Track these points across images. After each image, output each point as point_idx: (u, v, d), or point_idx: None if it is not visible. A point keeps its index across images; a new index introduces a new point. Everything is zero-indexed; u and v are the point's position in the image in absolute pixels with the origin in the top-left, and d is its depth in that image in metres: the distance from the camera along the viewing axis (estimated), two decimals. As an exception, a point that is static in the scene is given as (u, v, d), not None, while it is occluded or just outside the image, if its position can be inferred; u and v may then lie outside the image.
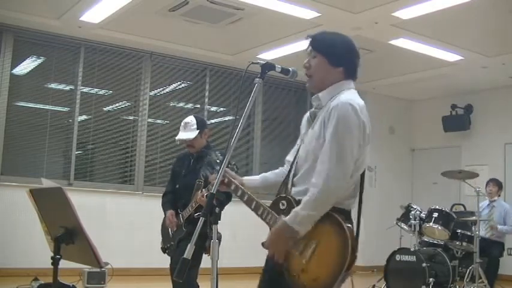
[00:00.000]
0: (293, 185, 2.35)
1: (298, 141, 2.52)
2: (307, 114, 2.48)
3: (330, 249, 2.13)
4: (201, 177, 3.85)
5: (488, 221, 7.11)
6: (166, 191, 4.27)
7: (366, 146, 2.26)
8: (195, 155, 4.09)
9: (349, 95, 2.27)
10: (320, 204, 2.15)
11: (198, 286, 3.82)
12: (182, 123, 4.10)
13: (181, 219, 3.99)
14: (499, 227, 7.03)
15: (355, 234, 2.17)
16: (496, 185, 7.36)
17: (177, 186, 4.14)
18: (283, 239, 2.19)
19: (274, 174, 2.59)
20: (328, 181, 2.13)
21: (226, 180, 2.44)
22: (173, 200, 4.16)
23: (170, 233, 4.13)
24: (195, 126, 4.03)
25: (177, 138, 4.11)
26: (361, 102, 2.26)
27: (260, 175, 2.61)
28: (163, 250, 4.20)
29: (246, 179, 2.55)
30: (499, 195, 7.38)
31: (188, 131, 4.03)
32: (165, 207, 4.18)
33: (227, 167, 2.48)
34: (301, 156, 2.36)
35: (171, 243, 4.10)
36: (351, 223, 2.21)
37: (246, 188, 2.45)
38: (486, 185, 7.37)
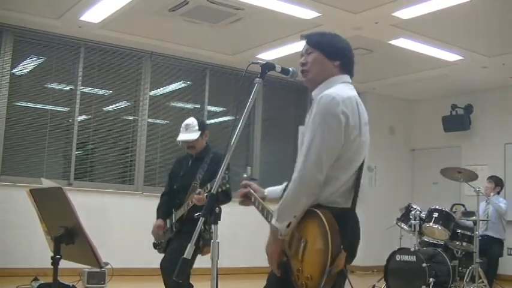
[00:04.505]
0: None
1: None
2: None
3: (315, 246, 2.12)
4: (197, 179, 3.92)
5: (487, 221, 7.13)
6: (164, 192, 4.35)
7: (352, 141, 2.19)
8: (194, 156, 4.15)
9: (336, 89, 2.26)
10: (291, 197, 2.16)
11: (192, 285, 3.87)
12: (183, 125, 4.15)
13: (174, 218, 4.04)
14: (502, 205, 7.08)
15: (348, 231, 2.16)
16: (493, 181, 7.37)
17: (175, 186, 4.20)
18: (272, 240, 2.23)
19: None
20: (299, 173, 2.14)
21: (249, 194, 2.49)
22: (168, 203, 4.23)
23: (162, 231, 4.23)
24: (197, 127, 4.10)
25: (178, 139, 4.16)
26: (348, 94, 2.23)
27: (284, 184, 2.51)
28: (155, 245, 4.28)
29: (268, 190, 2.56)
30: (498, 193, 7.37)
31: (190, 132, 4.09)
32: (157, 212, 4.27)
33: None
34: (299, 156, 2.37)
35: (161, 241, 4.19)
36: (344, 220, 2.17)
37: (269, 200, 2.49)
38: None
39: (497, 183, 7.39)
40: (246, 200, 2.49)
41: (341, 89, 2.25)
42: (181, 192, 4.05)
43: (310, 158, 2.13)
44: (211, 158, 4.06)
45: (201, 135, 4.09)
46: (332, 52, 2.36)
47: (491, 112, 9.15)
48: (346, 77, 2.37)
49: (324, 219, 2.09)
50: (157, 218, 4.22)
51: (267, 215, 2.40)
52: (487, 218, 7.14)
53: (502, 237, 7.19)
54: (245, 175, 2.65)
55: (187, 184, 3.99)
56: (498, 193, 7.39)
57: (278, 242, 2.21)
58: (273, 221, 2.20)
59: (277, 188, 2.56)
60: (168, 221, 4.14)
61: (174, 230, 4.04)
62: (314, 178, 2.13)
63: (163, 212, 4.21)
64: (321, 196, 2.18)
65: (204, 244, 3.64)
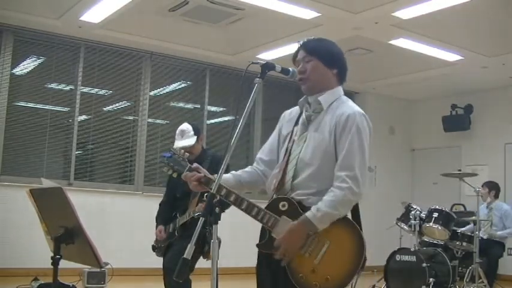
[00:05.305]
0: (293, 188, 2.32)
1: (274, 137, 2.64)
2: (296, 114, 2.54)
3: (344, 249, 2.21)
4: None
5: (487, 222, 7.11)
6: (162, 201, 4.36)
7: None
8: (193, 161, 4.13)
9: (355, 105, 2.38)
10: (344, 206, 2.23)
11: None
12: (178, 131, 4.14)
13: (177, 223, 4.05)
14: (499, 233, 7.04)
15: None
16: (487, 187, 7.30)
17: (178, 195, 4.19)
18: (301, 234, 2.21)
19: (248, 174, 2.54)
20: (356, 185, 2.21)
21: (203, 179, 2.38)
22: (167, 211, 4.24)
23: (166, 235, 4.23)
24: (192, 132, 4.09)
25: (175, 146, 4.14)
26: None
27: (231, 173, 2.53)
28: (153, 248, 4.28)
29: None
30: (497, 197, 7.34)
31: (186, 138, 4.08)
32: (156, 220, 4.28)
33: (174, 156, 2.50)
34: (302, 159, 2.33)
35: (161, 245, 4.19)
36: None
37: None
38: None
39: (490, 187, 7.31)
40: (200, 185, 2.40)
41: (355, 106, 2.37)
42: (184, 198, 4.05)
43: (364, 175, 2.25)
44: (210, 160, 4.04)
45: (197, 139, 4.10)
46: (330, 60, 2.40)
47: (491, 112, 9.15)
48: (341, 89, 2.45)
49: (354, 223, 2.25)
50: (157, 226, 4.23)
51: (247, 207, 2.27)
52: (491, 225, 7.12)
53: (503, 241, 7.18)
54: (179, 155, 2.58)
55: (189, 190, 3.98)
56: (496, 197, 7.35)
57: (305, 235, 2.22)
58: (313, 219, 2.19)
59: (225, 176, 2.48)
60: (171, 225, 4.14)
61: (176, 234, 4.04)
62: (363, 193, 2.26)
63: (163, 218, 4.22)
64: None
65: (209, 249, 3.63)
